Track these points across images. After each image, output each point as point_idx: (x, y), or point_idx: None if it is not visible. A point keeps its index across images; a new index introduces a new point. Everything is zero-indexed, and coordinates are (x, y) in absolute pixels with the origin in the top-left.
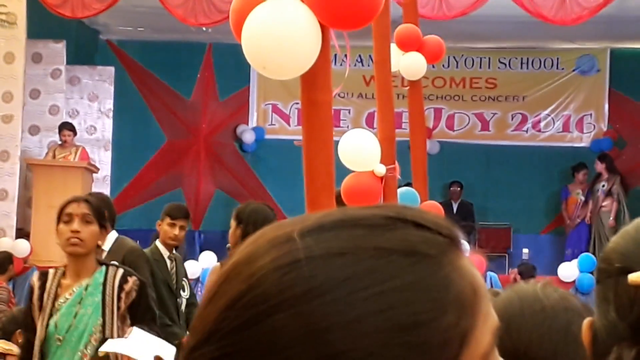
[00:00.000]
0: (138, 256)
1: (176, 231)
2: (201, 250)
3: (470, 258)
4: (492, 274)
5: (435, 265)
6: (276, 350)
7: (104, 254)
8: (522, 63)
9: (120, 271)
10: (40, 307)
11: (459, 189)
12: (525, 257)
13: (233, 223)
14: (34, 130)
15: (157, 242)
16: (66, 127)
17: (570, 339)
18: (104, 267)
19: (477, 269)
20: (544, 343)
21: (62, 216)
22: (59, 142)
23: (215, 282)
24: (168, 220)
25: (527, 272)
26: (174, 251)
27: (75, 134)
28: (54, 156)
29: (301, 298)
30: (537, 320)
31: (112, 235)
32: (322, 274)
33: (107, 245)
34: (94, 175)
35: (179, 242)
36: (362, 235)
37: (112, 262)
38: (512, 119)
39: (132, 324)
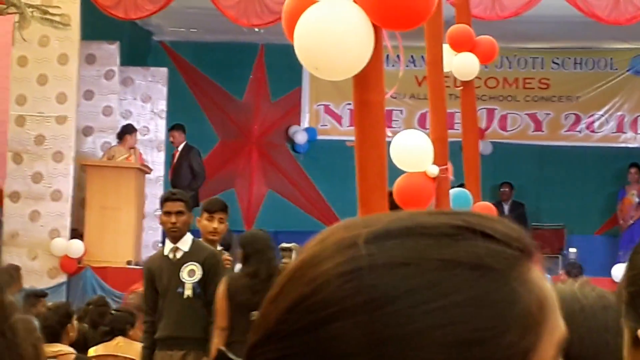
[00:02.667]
0: (218, 261)
1: (215, 224)
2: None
3: None
4: (546, 275)
5: (501, 279)
6: (333, 358)
7: (180, 253)
8: (575, 63)
9: None
10: None
11: (508, 189)
12: (572, 257)
13: (239, 249)
14: (87, 131)
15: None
16: (135, 129)
17: (610, 337)
18: None
19: (546, 280)
20: (584, 343)
21: None
22: (115, 144)
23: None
24: (206, 214)
25: (574, 272)
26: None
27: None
28: (112, 157)
29: (361, 308)
30: (577, 321)
31: (189, 237)
32: (383, 284)
33: (185, 245)
34: (147, 176)
35: (219, 236)
36: (427, 245)
37: None
38: (566, 119)
39: None
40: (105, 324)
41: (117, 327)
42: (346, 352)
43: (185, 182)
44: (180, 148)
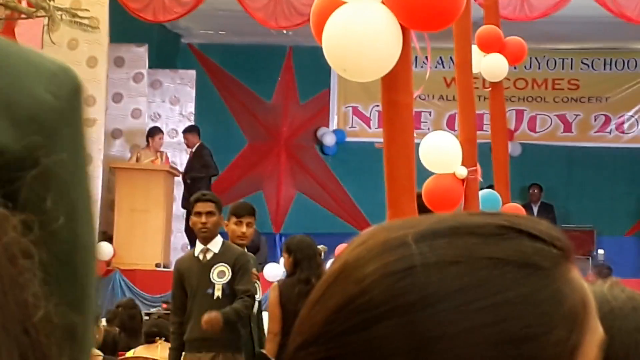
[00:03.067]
0: (248, 260)
1: (243, 228)
2: (282, 253)
3: None
4: None
5: (549, 277)
6: (384, 357)
7: (210, 255)
8: (605, 64)
9: None
10: None
11: (537, 191)
12: (601, 258)
13: (285, 254)
14: (116, 133)
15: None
16: (160, 132)
17: None
18: None
19: (584, 281)
20: (615, 346)
21: None
22: (143, 146)
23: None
24: (234, 219)
25: (604, 273)
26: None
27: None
28: (138, 159)
29: (413, 306)
30: (607, 323)
31: (219, 239)
32: (435, 282)
33: (215, 247)
34: (176, 178)
35: (248, 240)
36: (476, 244)
37: None
38: (595, 120)
39: None
40: (149, 326)
41: (162, 333)
42: (397, 351)
43: (195, 172)
44: (194, 149)
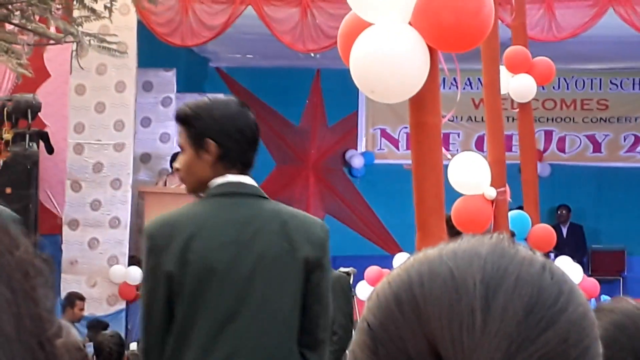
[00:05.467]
0: None
1: None
2: None
3: (584, 282)
4: (606, 297)
5: None
6: None
7: None
8: (634, 84)
9: None
10: None
11: (565, 212)
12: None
13: None
14: (145, 158)
15: None
16: None
17: None
18: None
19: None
20: None
21: None
22: (170, 171)
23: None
24: None
25: None
26: None
27: None
28: (165, 184)
29: None
30: None
31: None
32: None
33: None
34: None
35: None
36: None
37: None
38: (625, 140)
39: None
40: None
41: None
42: None
43: None
44: None
